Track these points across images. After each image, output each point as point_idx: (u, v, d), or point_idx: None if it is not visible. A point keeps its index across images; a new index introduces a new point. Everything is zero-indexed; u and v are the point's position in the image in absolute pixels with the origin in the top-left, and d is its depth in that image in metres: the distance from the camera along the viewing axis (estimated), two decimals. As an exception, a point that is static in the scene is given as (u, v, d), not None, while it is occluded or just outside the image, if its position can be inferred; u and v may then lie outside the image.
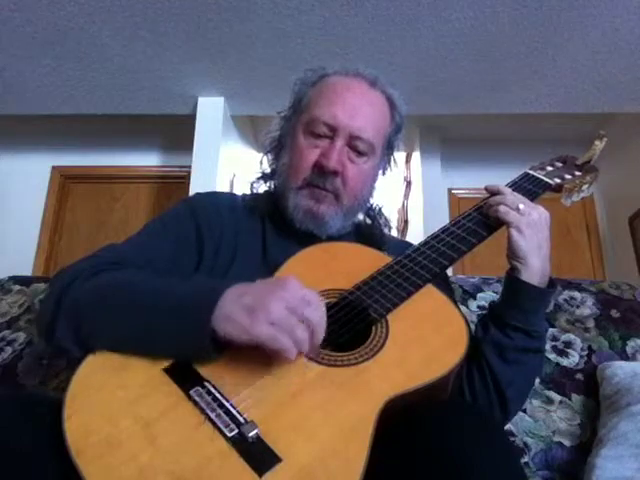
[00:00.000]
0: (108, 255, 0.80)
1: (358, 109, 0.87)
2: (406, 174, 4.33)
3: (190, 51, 2.65)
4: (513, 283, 0.78)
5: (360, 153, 0.88)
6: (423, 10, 2.32)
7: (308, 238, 0.87)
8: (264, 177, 0.98)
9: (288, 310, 0.60)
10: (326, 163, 0.84)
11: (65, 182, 3.70)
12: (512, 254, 0.78)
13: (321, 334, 0.61)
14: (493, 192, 0.82)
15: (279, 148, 0.95)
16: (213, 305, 0.62)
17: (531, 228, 0.77)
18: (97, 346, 0.66)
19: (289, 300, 0.61)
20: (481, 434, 0.56)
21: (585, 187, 0.93)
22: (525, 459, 0.98)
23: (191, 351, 0.63)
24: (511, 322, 0.77)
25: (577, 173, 0.93)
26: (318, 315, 0.61)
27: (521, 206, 0.77)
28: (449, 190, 3.71)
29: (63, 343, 0.70)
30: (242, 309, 0.61)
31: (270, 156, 0.97)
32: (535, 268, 0.77)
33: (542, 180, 0.88)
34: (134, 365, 0.64)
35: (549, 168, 0.93)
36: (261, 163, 0.99)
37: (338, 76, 0.91)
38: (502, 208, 0.78)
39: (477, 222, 0.81)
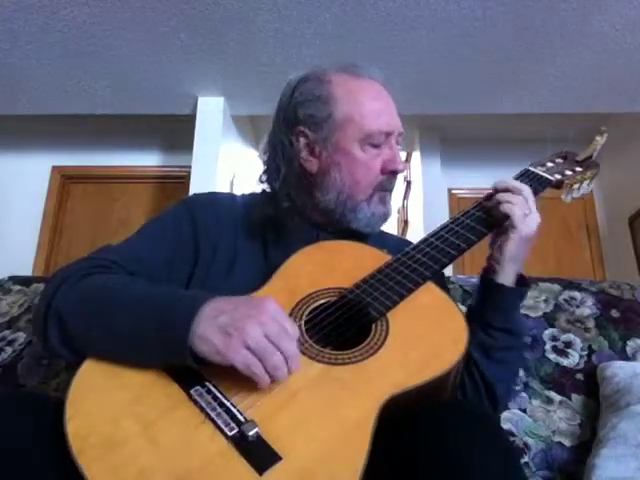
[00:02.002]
0: (102, 257, 0.80)
1: (393, 108, 0.91)
2: (406, 174, 4.33)
3: (190, 51, 2.65)
4: (492, 287, 0.81)
5: (399, 144, 0.92)
6: (423, 10, 2.32)
7: (309, 237, 0.87)
8: (263, 180, 0.97)
9: (265, 336, 0.60)
10: (398, 167, 0.88)
11: (65, 182, 3.70)
12: (499, 257, 0.80)
13: (296, 363, 0.61)
14: (508, 189, 0.81)
15: (289, 162, 0.90)
16: (190, 321, 0.62)
17: (528, 242, 0.79)
18: (86, 353, 0.66)
19: (267, 325, 0.61)
20: (481, 434, 0.56)
21: (586, 183, 0.93)
22: (525, 459, 0.98)
23: (174, 363, 0.64)
24: (493, 323, 0.80)
25: (578, 169, 0.93)
26: (293, 346, 0.61)
27: (528, 214, 0.78)
28: (449, 190, 3.71)
29: (56, 349, 0.70)
30: (217, 330, 0.61)
31: (287, 172, 0.91)
32: (512, 272, 0.81)
33: (543, 176, 0.88)
34: (134, 365, 0.64)
35: (549, 164, 0.93)
36: (263, 162, 0.98)
37: (355, 81, 0.89)
38: (517, 211, 0.78)
39: (477, 219, 0.81)
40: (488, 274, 0.83)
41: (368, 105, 0.87)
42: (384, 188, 0.89)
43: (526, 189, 0.80)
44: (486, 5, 2.28)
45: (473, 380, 0.79)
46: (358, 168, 0.87)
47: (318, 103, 0.87)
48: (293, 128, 0.89)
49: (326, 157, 0.87)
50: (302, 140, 0.88)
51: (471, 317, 0.82)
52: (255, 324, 0.60)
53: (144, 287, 0.73)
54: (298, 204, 0.90)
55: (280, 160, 0.91)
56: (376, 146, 0.87)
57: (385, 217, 0.91)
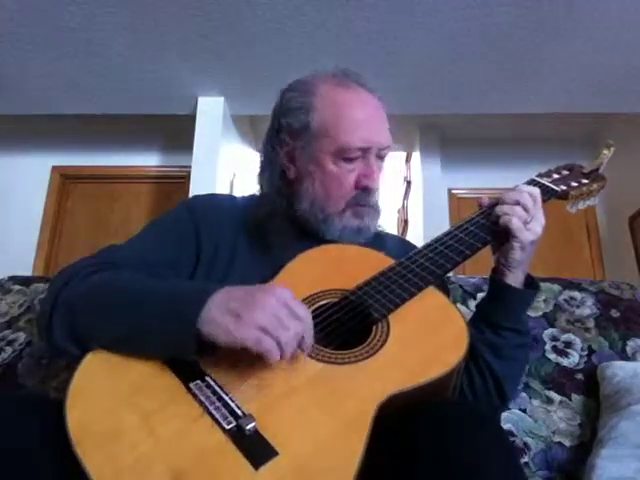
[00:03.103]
0: (106, 256, 0.81)
1: (379, 122, 0.88)
2: (406, 174, 4.34)
3: (190, 51, 2.65)
4: (502, 288, 0.82)
5: (383, 159, 0.90)
6: (423, 10, 2.32)
7: (310, 239, 0.88)
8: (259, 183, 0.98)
9: (275, 316, 0.61)
10: (371, 184, 0.86)
11: (65, 182, 3.70)
12: (505, 262, 0.81)
13: (310, 339, 0.63)
14: (505, 202, 0.81)
15: (272, 168, 0.92)
16: (200, 308, 0.62)
17: (533, 245, 0.80)
18: (93, 346, 0.67)
19: (276, 307, 0.62)
20: (481, 434, 0.57)
21: (592, 195, 0.93)
22: (525, 459, 0.98)
23: (174, 352, 0.64)
24: (503, 323, 0.81)
25: (584, 181, 0.93)
26: (306, 321, 0.62)
27: (529, 222, 0.79)
28: (449, 190, 3.71)
29: (61, 343, 0.71)
30: (228, 313, 0.61)
31: (270, 177, 0.93)
32: (521, 274, 0.82)
33: (548, 187, 0.89)
34: (136, 359, 0.65)
35: (555, 176, 0.93)
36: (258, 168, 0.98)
37: (339, 91, 0.88)
38: (515, 223, 0.78)
39: (481, 226, 0.82)
40: (497, 275, 0.83)
41: (346, 118, 0.85)
42: (358, 203, 0.87)
43: (524, 197, 0.80)
44: (486, 5, 2.29)
45: (483, 377, 0.81)
46: (329, 181, 0.86)
47: (298, 112, 0.88)
48: (277, 135, 0.91)
49: (301, 166, 0.89)
50: (284, 147, 0.90)
51: (480, 316, 0.84)
52: (264, 307, 0.61)
53: (153, 280, 0.74)
54: (282, 210, 0.91)
55: (267, 164, 0.93)
56: (350, 160, 0.86)
57: (360, 231, 0.88)
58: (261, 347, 0.59)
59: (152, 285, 0.71)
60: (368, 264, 0.80)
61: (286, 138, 0.89)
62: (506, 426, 1.00)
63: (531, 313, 1.17)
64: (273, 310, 0.61)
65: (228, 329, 0.60)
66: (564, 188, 0.90)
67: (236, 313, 0.61)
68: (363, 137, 0.85)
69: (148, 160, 3.71)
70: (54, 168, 3.69)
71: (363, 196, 0.87)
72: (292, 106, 0.89)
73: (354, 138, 0.85)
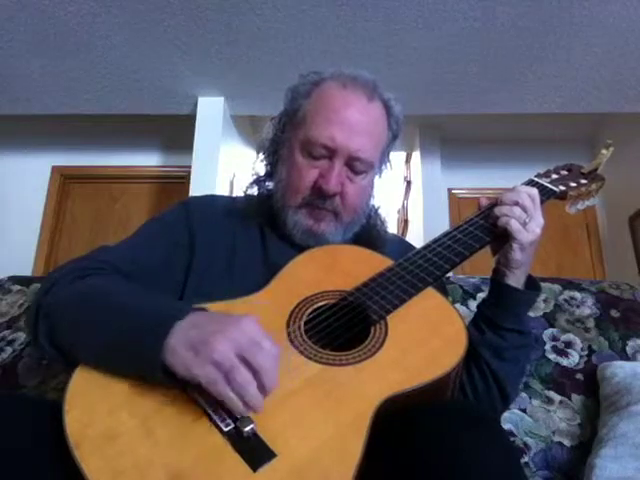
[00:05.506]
0: (97, 258, 0.80)
1: (357, 128, 0.84)
2: (406, 174, 4.34)
3: (190, 51, 2.65)
4: (503, 289, 0.81)
5: (359, 172, 0.87)
6: (423, 10, 2.32)
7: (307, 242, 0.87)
8: (257, 182, 0.97)
9: (234, 351, 0.56)
10: (326, 187, 0.83)
11: (65, 182, 3.70)
12: (506, 263, 0.81)
13: (271, 382, 0.57)
14: (504, 202, 0.81)
15: (273, 155, 0.94)
16: (163, 336, 0.59)
17: (533, 246, 0.79)
18: (72, 355, 0.65)
19: (238, 341, 0.57)
20: (482, 434, 0.56)
21: (591, 196, 0.93)
22: (525, 459, 0.98)
23: (144, 376, 0.61)
24: (504, 324, 0.81)
25: (583, 181, 0.92)
26: (268, 361, 0.57)
27: (528, 223, 0.78)
28: (449, 190, 3.71)
29: (46, 348, 0.70)
30: (187, 344, 0.58)
31: (264, 161, 0.96)
32: (522, 275, 0.81)
33: (547, 187, 0.88)
34: None
35: (554, 176, 0.93)
36: (252, 169, 0.99)
37: (335, 87, 0.87)
38: (514, 224, 0.78)
39: (480, 227, 0.82)
40: (498, 276, 0.83)
41: (323, 113, 0.85)
42: (314, 204, 0.85)
43: (523, 197, 0.79)
44: (486, 5, 2.29)
45: (484, 378, 0.81)
46: (292, 171, 0.87)
47: (297, 97, 0.90)
48: (283, 120, 0.93)
49: (281, 149, 0.91)
50: (278, 132, 0.93)
51: (480, 317, 0.84)
52: (224, 340, 0.57)
53: (131, 295, 0.71)
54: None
55: (271, 154, 0.95)
56: (314, 157, 0.85)
57: (312, 233, 0.86)
58: (214, 389, 0.55)
59: (127, 301, 0.68)
60: (367, 265, 0.80)
61: (283, 120, 0.92)
62: (506, 426, 1.00)
63: (531, 313, 1.17)
64: (235, 344, 0.56)
65: (184, 363, 0.57)
66: (563, 188, 0.90)
67: (194, 346, 0.57)
68: (330, 136, 0.83)
69: (148, 160, 3.71)
70: (54, 168, 3.69)
71: (317, 198, 0.85)
72: (297, 90, 0.91)
73: (321, 134, 0.83)
